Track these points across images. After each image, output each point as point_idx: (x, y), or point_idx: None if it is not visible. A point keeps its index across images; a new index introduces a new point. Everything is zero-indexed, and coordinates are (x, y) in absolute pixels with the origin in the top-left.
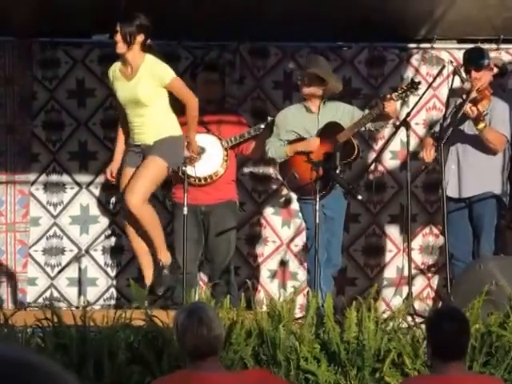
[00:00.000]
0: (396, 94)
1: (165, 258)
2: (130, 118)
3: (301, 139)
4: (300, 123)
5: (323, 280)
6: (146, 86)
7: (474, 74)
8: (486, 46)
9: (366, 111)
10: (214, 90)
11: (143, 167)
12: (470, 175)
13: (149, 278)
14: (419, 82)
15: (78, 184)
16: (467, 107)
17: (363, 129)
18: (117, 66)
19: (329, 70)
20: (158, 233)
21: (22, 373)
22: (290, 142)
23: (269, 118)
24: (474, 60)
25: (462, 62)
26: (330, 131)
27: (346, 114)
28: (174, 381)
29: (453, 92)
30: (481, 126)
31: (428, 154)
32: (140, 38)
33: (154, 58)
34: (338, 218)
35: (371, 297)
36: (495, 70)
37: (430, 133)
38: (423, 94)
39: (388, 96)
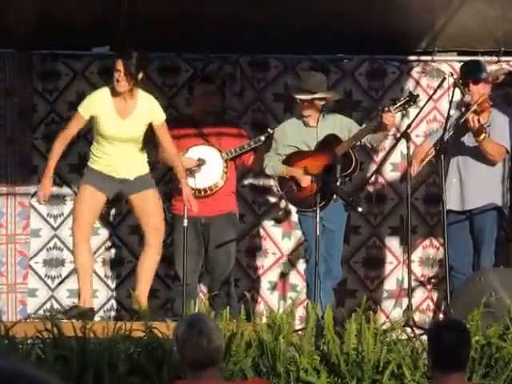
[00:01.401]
0: (394, 106)
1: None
2: (110, 151)
3: (299, 152)
4: (299, 137)
5: (323, 292)
6: (141, 125)
7: (472, 86)
8: (486, 58)
9: (364, 126)
10: (212, 102)
11: (152, 205)
12: (473, 187)
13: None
14: (417, 96)
15: None
16: (470, 118)
17: (358, 143)
18: (106, 97)
19: (319, 85)
20: (150, 280)
21: (13, 382)
22: (289, 156)
23: (269, 130)
24: (471, 73)
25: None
26: (328, 144)
27: (344, 126)
28: None
29: (453, 104)
30: (481, 137)
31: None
32: (140, 75)
33: (146, 94)
34: (338, 230)
35: (363, 307)
36: (501, 77)
37: (425, 141)
38: (423, 106)
39: (386, 108)
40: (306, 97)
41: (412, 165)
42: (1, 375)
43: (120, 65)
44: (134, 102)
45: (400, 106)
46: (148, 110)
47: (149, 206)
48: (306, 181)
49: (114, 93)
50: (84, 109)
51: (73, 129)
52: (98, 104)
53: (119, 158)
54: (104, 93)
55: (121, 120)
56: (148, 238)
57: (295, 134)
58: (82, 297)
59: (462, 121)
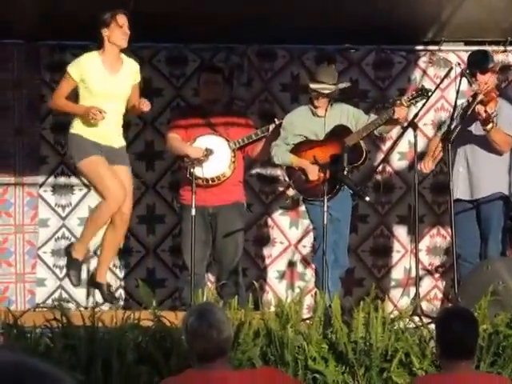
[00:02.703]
0: (406, 99)
1: (104, 278)
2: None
3: (308, 141)
4: (307, 126)
5: (331, 281)
6: (128, 82)
7: (479, 76)
8: (493, 47)
9: (372, 115)
10: (214, 91)
11: (128, 180)
12: (480, 177)
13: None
14: (430, 90)
15: (86, 186)
16: (477, 108)
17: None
18: (95, 58)
19: (335, 76)
20: (115, 252)
21: (16, 374)
22: (297, 145)
23: (276, 120)
24: (478, 63)
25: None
26: (338, 134)
27: (351, 116)
28: (184, 380)
29: (460, 94)
30: (488, 127)
31: (426, 165)
32: None
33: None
34: (345, 219)
35: (372, 297)
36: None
37: (436, 135)
38: (431, 96)
39: (398, 102)
40: (330, 86)
41: (425, 161)
42: (3, 367)
43: (123, 19)
44: (120, 61)
45: (412, 98)
46: (132, 68)
47: (127, 183)
48: (314, 173)
49: (102, 55)
50: (74, 71)
51: (64, 89)
52: (87, 64)
53: (107, 121)
54: (92, 55)
55: (110, 76)
56: (124, 212)
57: (304, 123)
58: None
59: (469, 111)
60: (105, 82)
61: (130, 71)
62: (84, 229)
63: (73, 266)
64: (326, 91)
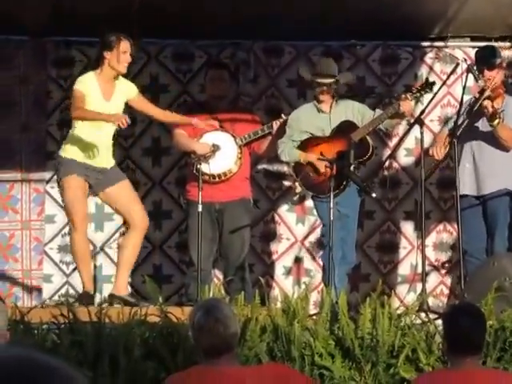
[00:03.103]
0: (411, 93)
1: (125, 290)
2: (96, 137)
3: (314, 138)
4: (313, 123)
5: (338, 277)
6: (122, 104)
7: (486, 72)
8: (499, 43)
9: (377, 110)
10: (220, 87)
11: (131, 191)
12: (487, 172)
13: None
14: (434, 82)
15: None
16: (484, 103)
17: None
18: (93, 81)
19: (336, 69)
20: (132, 264)
21: (27, 370)
22: (304, 142)
23: (283, 116)
24: (486, 59)
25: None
26: (344, 130)
27: (356, 112)
28: (191, 376)
29: (467, 90)
30: (495, 122)
31: (438, 151)
32: None
33: None
34: (353, 215)
35: (379, 293)
36: None
37: (444, 127)
38: (437, 92)
39: (403, 96)
40: (329, 80)
41: (437, 147)
42: (14, 362)
43: (126, 45)
44: (113, 83)
45: (417, 92)
46: (123, 86)
47: (132, 194)
48: (323, 165)
49: (99, 76)
50: (80, 86)
51: (79, 103)
52: (87, 86)
53: (100, 144)
54: (90, 76)
55: (105, 102)
56: (137, 223)
57: (309, 120)
58: (85, 281)
59: (476, 106)
60: (100, 108)
61: (121, 90)
62: (78, 270)
63: (85, 296)
64: (327, 81)
